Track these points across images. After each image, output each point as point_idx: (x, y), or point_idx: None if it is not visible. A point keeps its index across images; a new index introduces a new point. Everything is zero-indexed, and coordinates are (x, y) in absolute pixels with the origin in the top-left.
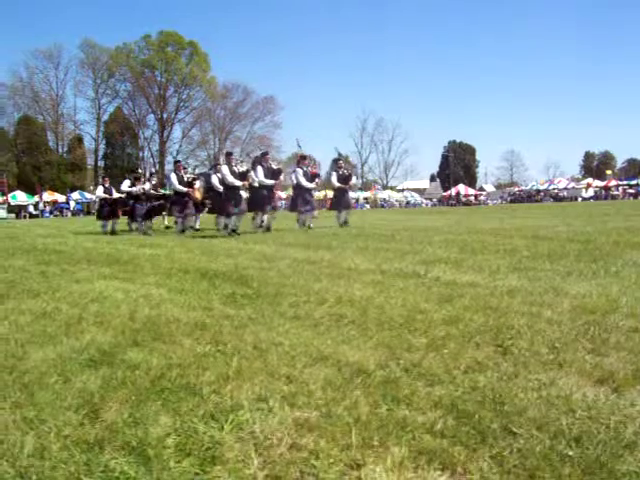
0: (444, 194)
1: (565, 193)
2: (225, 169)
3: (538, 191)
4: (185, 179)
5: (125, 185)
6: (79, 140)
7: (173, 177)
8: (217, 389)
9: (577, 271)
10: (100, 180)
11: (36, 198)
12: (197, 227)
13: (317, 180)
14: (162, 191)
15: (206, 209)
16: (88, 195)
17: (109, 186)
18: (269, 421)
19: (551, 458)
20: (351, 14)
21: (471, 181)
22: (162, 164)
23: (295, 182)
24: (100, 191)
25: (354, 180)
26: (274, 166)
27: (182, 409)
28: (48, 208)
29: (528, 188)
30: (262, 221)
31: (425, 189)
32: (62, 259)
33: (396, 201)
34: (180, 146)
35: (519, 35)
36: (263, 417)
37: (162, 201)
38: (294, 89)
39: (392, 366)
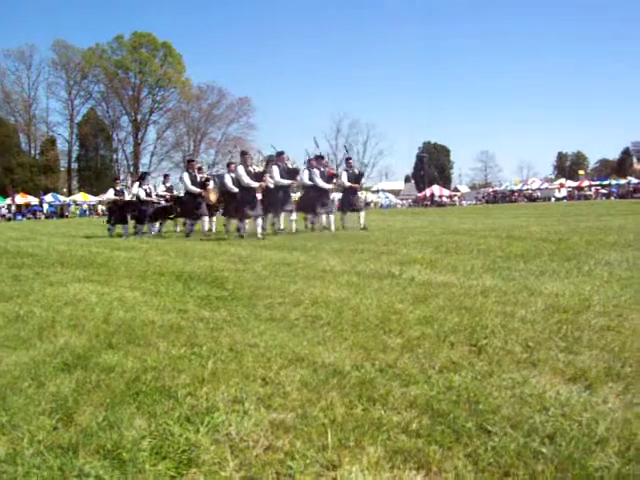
0: (419, 195)
1: (539, 193)
2: (241, 169)
3: (512, 191)
4: (198, 179)
5: (135, 188)
6: (52, 142)
7: (186, 177)
8: (192, 391)
9: (550, 270)
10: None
11: (8, 201)
12: (212, 230)
13: (335, 180)
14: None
15: (219, 211)
16: (61, 197)
17: (121, 189)
18: (245, 423)
19: (525, 455)
20: (327, 15)
21: (445, 182)
22: (136, 166)
23: (310, 183)
24: (111, 194)
25: (364, 180)
26: (290, 165)
27: (157, 412)
28: (12, 210)
29: (502, 188)
30: (278, 224)
31: (400, 190)
32: (35, 262)
33: (371, 202)
34: (155, 148)
35: (493, 38)
36: (239, 419)
37: (170, 203)
38: (269, 90)
39: (367, 367)
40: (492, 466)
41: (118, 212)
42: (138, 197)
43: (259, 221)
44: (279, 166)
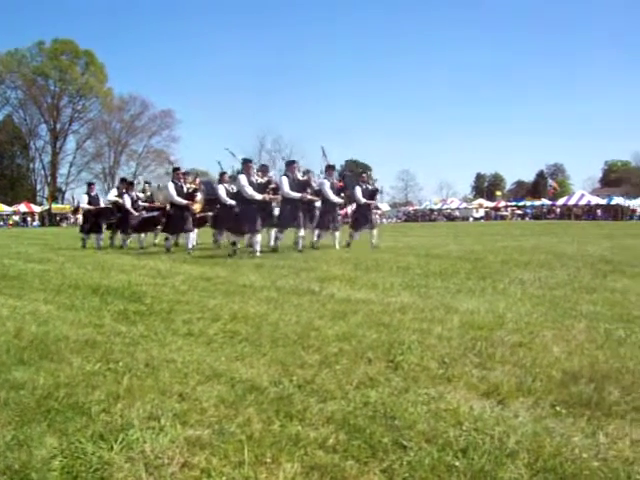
0: (340, 212)
1: (457, 213)
2: (243, 179)
3: (432, 210)
4: (185, 190)
5: (112, 194)
6: None
7: (171, 187)
8: (107, 408)
9: (466, 288)
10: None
11: None
12: (192, 247)
13: (343, 195)
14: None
15: (207, 223)
16: None
17: (96, 195)
18: (160, 440)
19: (439, 469)
20: (251, 31)
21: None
22: (54, 176)
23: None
24: (84, 201)
25: (379, 196)
26: (300, 177)
27: (69, 429)
28: None
29: (422, 207)
30: (277, 240)
31: None
32: None
33: None
34: (74, 158)
35: (413, 60)
36: (154, 436)
37: (158, 213)
38: (192, 103)
39: (285, 383)
40: None
41: (93, 220)
42: (124, 206)
43: (258, 237)
44: (288, 177)
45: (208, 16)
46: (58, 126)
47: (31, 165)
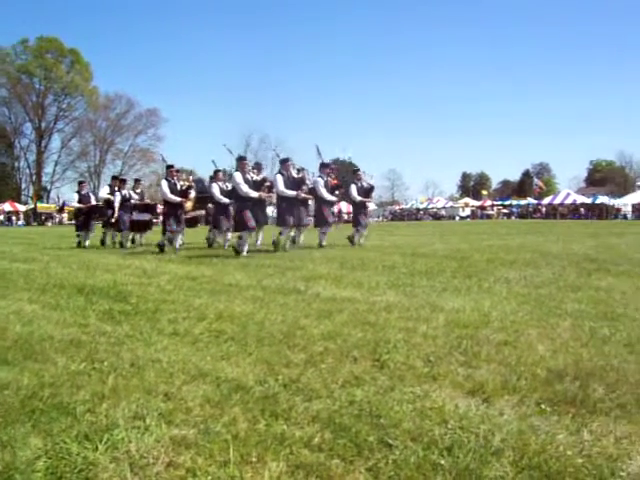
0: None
1: (444, 212)
2: (238, 177)
3: (418, 209)
4: (179, 187)
5: (104, 192)
6: None
7: (164, 184)
8: (92, 408)
9: (452, 287)
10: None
11: None
12: (179, 246)
13: (337, 192)
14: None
15: (200, 224)
16: None
17: (87, 193)
18: (145, 440)
19: (424, 468)
20: (237, 30)
21: None
22: (39, 175)
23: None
24: (75, 199)
25: (374, 193)
26: (295, 174)
27: (54, 430)
28: None
29: (408, 206)
30: (298, 238)
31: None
32: None
33: None
34: (59, 157)
35: (403, 59)
36: (139, 436)
37: (151, 215)
38: (178, 102)
39: (271, 382)
40: (393, 479)
41: (83, 218)
42: (108, 202)
43: (244, 235)
44: (283, 175)
45: (195, 14)
46: (43, 125)
47: (16, 164)
